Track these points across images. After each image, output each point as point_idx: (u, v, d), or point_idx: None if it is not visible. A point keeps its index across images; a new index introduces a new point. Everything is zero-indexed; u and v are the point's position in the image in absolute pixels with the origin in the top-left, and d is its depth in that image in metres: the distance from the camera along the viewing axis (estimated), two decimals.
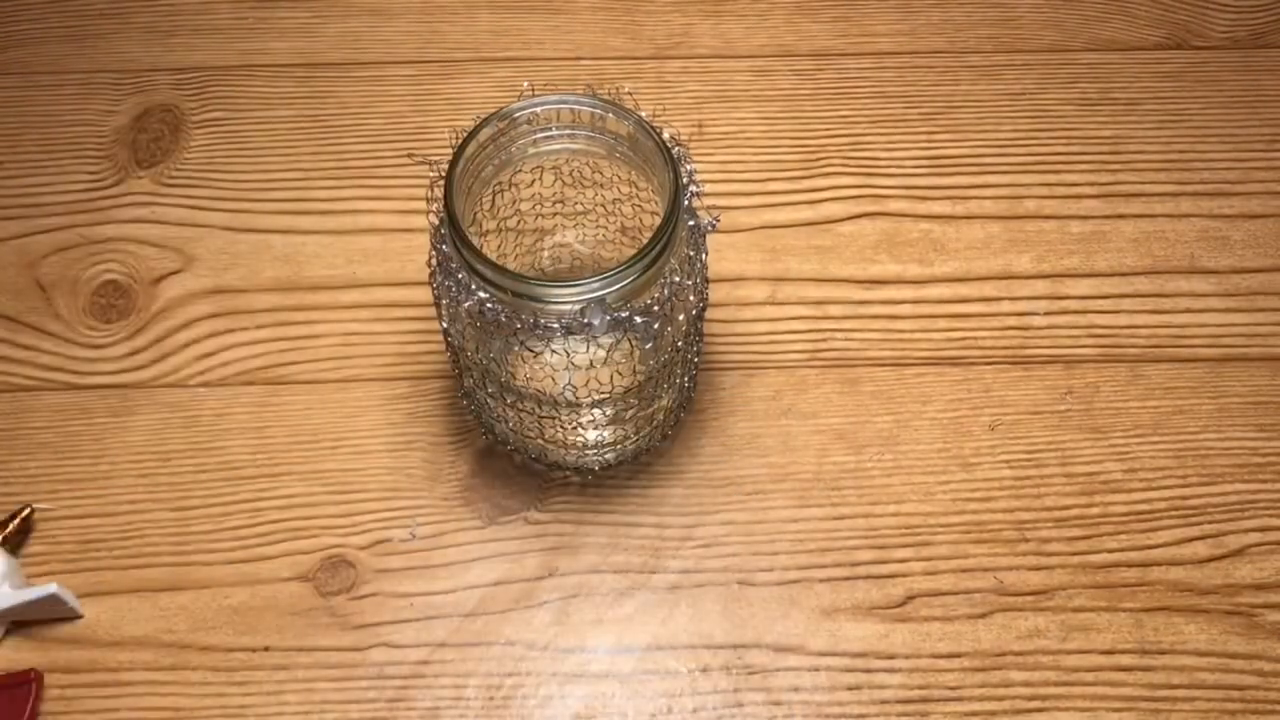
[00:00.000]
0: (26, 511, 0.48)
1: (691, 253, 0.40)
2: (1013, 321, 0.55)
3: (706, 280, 0.43)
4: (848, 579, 0.48)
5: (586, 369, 0.41)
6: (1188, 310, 0.55)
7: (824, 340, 0.54)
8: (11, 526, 0.48)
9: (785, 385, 0.53)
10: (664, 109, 0.61)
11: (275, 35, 0.65)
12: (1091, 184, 0.59)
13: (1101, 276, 0.56)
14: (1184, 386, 0.53)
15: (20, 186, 0.59)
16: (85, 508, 0.50)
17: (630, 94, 0.42)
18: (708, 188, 0.57)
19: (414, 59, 0.63)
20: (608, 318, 0.38)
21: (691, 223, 0.40)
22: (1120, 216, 0.58)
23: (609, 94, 0.41)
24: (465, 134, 0.40)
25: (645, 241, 0.38)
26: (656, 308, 0.39)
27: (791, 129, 0.61)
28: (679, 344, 0.43)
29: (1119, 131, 0.60)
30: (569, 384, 0.42)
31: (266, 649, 0.47)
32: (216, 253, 0.57)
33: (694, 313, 0.42)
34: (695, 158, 0.59)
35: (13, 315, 0.55)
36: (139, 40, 0.64)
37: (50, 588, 0.45)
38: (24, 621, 0.47)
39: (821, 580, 0.48)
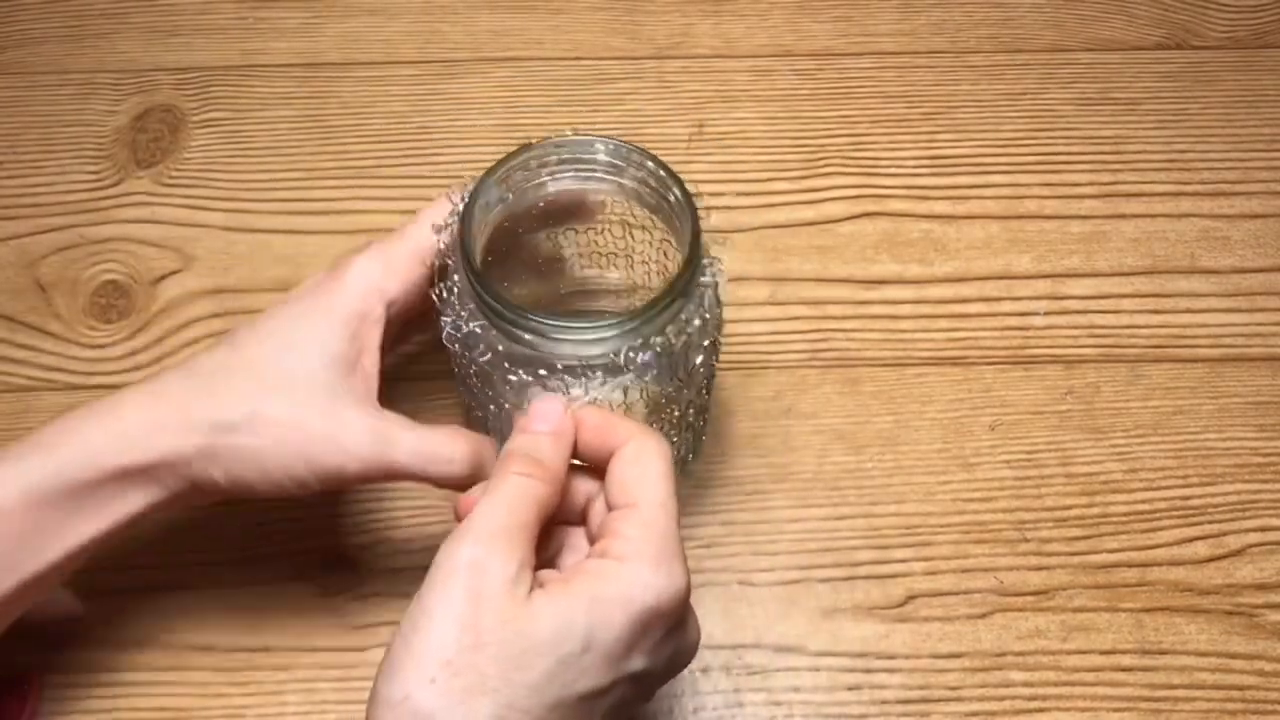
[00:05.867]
0: None
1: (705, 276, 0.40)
2: (1013, 321, 0.55)
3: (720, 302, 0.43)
4: (848, 579, 0.48)
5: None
6: (1188, 310, 0.55)
7: (824, 340, 0.54)
8: None
9: (786, 385, 0.53)
10: (662, 111, 0.60)
11: (275, 35, 0.65)
12: (1092, 184, 0.59)
13: (1102, 276, 0.56)
14: (1184, 386, 0.53)
15: (20, 186, 0.59)
16: None
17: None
18: (708, 188, 0.58)
19: (414, 59, 0.63)
20: (653, 352, 0.38)
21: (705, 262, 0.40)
22: (1121, 216, 0.58)
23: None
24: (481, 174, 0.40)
25: (673, 273, 0.38)
26: (691, 334, 0.39)
27: (792, 129, 0.61)
28: (709, 362, 0.43)
29: (1119, 131, 0.60)
30: None
31: (266, 649, 0.47)
32: (216, 253, 0.57)
33: (714, 339, 0.42)
34: (695, 158, 0.59)
35: (13, 315, 0.55)
36: (139, 40, 0.64)
37: None
38: (24, 621, 0.47)
39: (821, 580, 0.48)
